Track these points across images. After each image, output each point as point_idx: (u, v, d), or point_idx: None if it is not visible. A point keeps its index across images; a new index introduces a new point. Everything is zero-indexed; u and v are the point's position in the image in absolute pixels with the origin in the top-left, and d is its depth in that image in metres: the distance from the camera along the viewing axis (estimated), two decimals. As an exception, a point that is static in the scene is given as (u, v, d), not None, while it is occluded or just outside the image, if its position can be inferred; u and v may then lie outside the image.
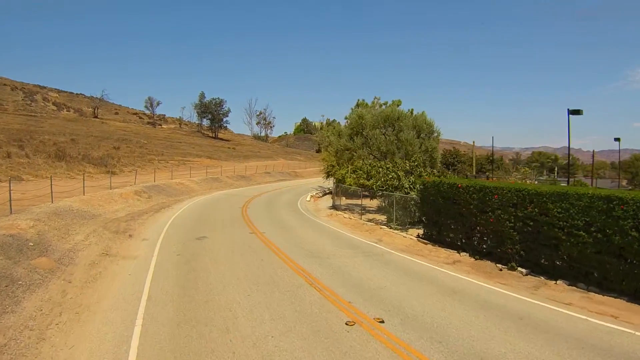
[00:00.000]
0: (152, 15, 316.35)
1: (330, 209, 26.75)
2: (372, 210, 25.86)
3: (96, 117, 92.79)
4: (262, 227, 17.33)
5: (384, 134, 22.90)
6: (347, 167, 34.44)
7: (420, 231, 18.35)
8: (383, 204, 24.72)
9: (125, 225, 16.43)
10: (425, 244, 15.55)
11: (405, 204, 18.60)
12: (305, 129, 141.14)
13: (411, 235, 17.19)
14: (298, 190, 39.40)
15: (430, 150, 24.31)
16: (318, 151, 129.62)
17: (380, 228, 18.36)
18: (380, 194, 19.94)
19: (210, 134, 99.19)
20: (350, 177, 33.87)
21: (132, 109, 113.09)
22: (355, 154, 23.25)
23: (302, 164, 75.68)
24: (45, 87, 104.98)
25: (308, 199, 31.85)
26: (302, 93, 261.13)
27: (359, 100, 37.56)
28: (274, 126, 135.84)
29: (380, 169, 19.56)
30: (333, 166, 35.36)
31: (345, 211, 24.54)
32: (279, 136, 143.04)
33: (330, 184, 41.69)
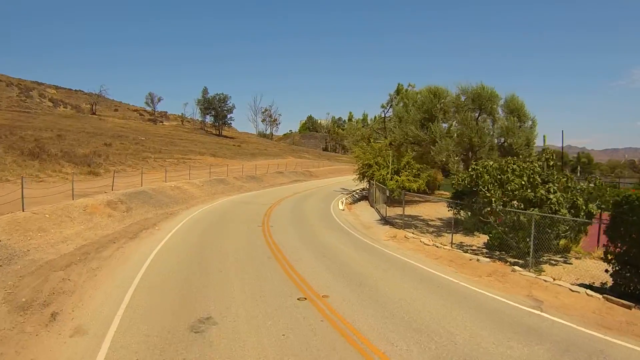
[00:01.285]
0: (156, 14, 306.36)
1: (383, 224, 18.71)
2: (440, 226, 17.89)
3: (94, 113, 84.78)
4: (313, 275, 9.25)
5: (476, 120, 14.87)
6: (389, 166, 26.35)
7: (571, 271, 10.45)
8: (459, 217, 16.76)
9: (60, 278, 8.34)
10: (628, 307, 7.77)
11: (542, 229, 10.62)
12: (311, 127, 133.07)
13: (568, 283, 9.32)
14: (321, 194, 31.34)
15: (530, 144, 16.39)
16: (325, 149, 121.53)
17: (511, 270, 10.37)
18: (490, 208, 11.87)
19: (214, 132, 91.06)
20: (392, 180, 25.85)
21: (133, 105, 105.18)
22: (432, 148, 15.16)
23: (314, 162, 67.58)
24: (43, 84, 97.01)
25: (341, 207, 23.80)
26: (306, 91, 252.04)
27: (399, 84, 29.69)
28: (279, 123, 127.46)
29: (504, 173, 11.53)
30: (370, 165, 27.28)
31: (411, 230, 16.51)
32: (284, 134, 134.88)
33: (359, 185, 33.73)
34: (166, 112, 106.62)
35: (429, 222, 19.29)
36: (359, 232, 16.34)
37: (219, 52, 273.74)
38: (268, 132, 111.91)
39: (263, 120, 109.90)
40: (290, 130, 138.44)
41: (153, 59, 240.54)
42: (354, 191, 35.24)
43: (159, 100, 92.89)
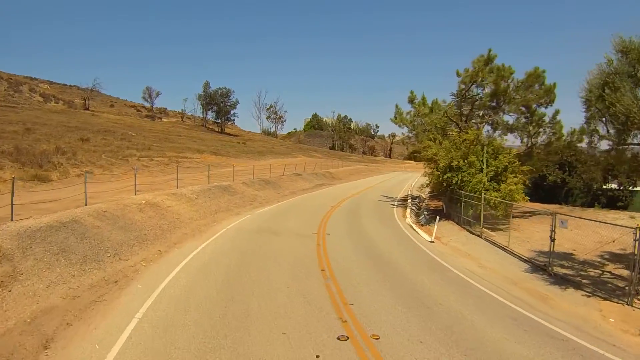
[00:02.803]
0: (156, 9, 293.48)
1: (551, 281, 8.56)
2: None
3: (87, 109, 74.37)
4: None
5: None
6: (484, 169, 16.30)
7: None
8: None
9: None
10: None
11: None
12: (316, 125, 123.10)
13: None
14: (366, 205, 21.24)
15: None
16: (332, 148, 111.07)
17: None
18: None
19: (216, 129, 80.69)
20: (493, 191, 15.88)
21: (131, 102, 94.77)
22: None
23: (327, 161, 57.49)
24: (36, 79, 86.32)
25: (427, 237, 13.77)
26: (309, 90, 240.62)
27: (490, 51, 19.49)
28: (285, 121, 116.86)
29: None
30: (456, 168, 17.07)
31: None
32: (288, 133, 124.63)
33: (402, 191, 23.70)
34: (165, 108, 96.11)
35: (605, 268, 9.31)
36: (545, 315, 6.33)
37: (220, 50, 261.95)
38: (273, 129, 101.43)
39: (268, 118, 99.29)
40: (294, 129, 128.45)
41: (152, 55, 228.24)
42: (404, 199, 25.23)
43: (157, 94, 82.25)
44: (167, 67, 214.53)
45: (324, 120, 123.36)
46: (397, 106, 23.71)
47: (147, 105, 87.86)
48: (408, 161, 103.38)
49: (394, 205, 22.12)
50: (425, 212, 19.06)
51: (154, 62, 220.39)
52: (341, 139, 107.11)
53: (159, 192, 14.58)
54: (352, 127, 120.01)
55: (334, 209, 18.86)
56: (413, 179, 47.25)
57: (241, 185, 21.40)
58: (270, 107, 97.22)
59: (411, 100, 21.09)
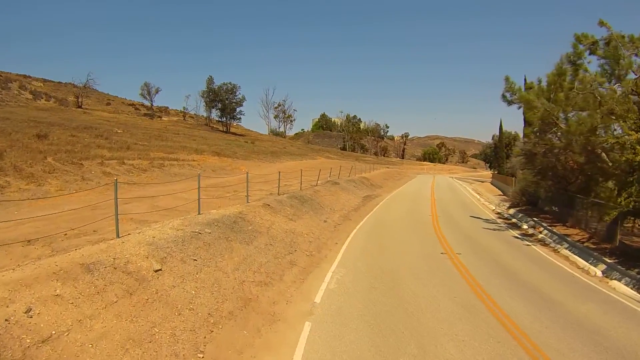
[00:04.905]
0: (159, 11, 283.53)
1: None
2: None
3: (80, 106, 64.37)
4: None
5: None
6: None
7: None
8: None
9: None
10: None
11: None
12: (324, 125, 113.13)
13: None
14: (480, 239, 11.48)
15: None
16: (343, 148, 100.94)
17: None
18: None
19: (221, 128, 70.90)
20: None
21: (129, 100, 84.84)
22: None
23: (348, 163, 47.59)
24: (29, 77, 76.31)
25: None
26: (314, 91, 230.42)
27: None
28: (294, 120, 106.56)
29: None
30: None
31: None
32: (295, 133, 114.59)
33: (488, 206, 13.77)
34: (167, 107, 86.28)
35: None
36: None
37: (224, 51, 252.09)
38: (281, 129, 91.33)
39: (276, 117, 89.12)
40: (302, 129, 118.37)
41: (153, 53, 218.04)
42: (505, 220, 15.38)
43: (157, 91, 72.29)
44: (169, 65, 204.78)
45: (332, 120, 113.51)
46: (507, 79, 13.89)
47: (147, 103, 78.29)
48: (425, 162, 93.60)
49: (516, 236, 12.32)
50: (603, 256, 9.16)
51: (155, 60, 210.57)
52: (352, 140, 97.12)
53: (57, 260, 4.75)
54: (361, 128, 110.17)
55: (459, 264, 8.98)
56: (456, 183, 38.01)
57: (262, 210, 11.47)
58: (279, 105, 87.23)
59: (579, 55, 10.98)
